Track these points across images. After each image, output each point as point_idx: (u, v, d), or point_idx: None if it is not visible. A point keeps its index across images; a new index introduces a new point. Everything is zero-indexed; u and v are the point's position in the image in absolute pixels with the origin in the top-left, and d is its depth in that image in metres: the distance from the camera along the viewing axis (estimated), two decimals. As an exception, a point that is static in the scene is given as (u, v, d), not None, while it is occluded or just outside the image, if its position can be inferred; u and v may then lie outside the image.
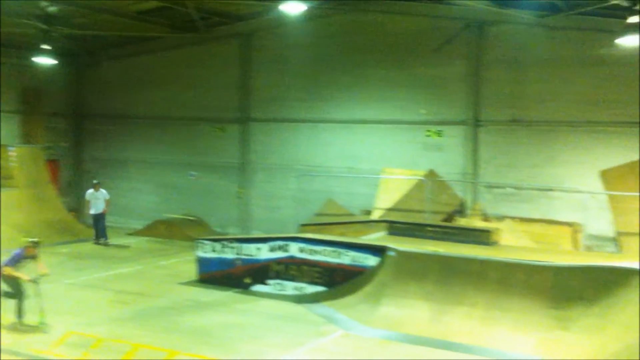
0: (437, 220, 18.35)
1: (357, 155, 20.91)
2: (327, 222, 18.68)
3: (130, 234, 22.53)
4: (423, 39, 19.76)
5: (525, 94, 18.48)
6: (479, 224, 17.74)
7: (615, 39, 14.93)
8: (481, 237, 15.31)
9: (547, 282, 11.18)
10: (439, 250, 13.24)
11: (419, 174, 19.44)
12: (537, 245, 16.75)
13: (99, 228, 20.79)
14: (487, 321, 11.09)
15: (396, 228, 16.45)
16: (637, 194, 16.30)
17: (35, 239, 11.88)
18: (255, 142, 22.81)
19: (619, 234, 16.86)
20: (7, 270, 11.24)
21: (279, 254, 14.46)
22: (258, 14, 21.62)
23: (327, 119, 21.42)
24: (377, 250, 13.29)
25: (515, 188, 18.58)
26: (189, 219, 22.93)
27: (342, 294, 13.09)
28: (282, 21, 20.07)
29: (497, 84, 18.85)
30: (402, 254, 12.86)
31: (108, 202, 20.85)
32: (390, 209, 19.13)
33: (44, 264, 11.74)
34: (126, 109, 25.28)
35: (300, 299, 13.62)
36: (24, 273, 11.42)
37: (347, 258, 13.58)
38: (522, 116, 18.56)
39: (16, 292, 11.34)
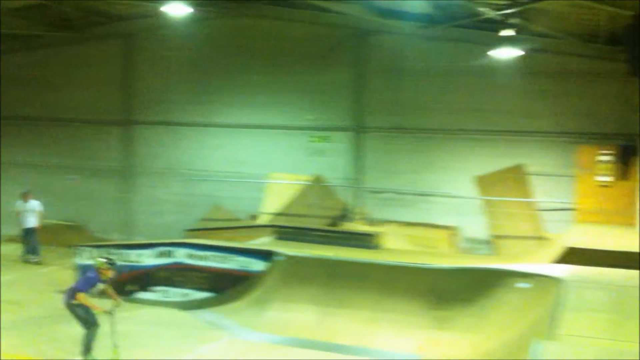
0: (323, 224, 18.63)
1: (244, 160, 20.85)
2: (214, 227, 18.54)
3: (5, 241, 21.35)
4: (308, 45, 20.02)
5: (406, 102, 19.08)
6: (363, 228, 18.18)
7: (488, 51, 15.72)
8: (365, 240, 15.68)
9: (427, 284, 11.66)
10: (325, 254, 13.47)
11: (306, 179, 19.68)
12: (418, 248, 17.37)
13: (29, 244, 18.98)
14: (371, 322, 11.43)
15: (283, 233, 16.56)
16: (510, 199, 17.34)
17: (112, 258, 10.12)
18: (138, 145, 22.26)
19: (494, 236, 17.79)
20: (81, 297, 9.45)
21: (165, 260, 14.23)
22: (140, 14, 21.13)
23: (213, 123, 21.22)
24: (264, 255, 13.36)
25: (398, 193, 19.18)
26: (67, 225, 22.03)
27: (230, 300, 13.08)
28: (166, 23, 19.71)
29: (379, 92, 19.37)
30: (289, 259, 13.00)
31: (40, 215, 19.30)
32: (277, 214, 19.24)
33: (113, 290, 10.10)
34: (-2, 109, 24.00)
35: (187, 306, 13.46)
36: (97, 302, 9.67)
37: (235, 263, 13.56)
38: (404, 123, 19.17)
39: (86, 323, 9.62)
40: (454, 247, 17.90)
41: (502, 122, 18.01)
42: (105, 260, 9.78)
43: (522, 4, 12.65)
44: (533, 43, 16.26)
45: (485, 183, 17.93)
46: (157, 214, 21.74)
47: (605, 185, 16.49)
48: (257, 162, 20.63)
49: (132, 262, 14.45)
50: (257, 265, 13.34)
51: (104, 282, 9.79)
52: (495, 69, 17.05)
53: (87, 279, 9.68)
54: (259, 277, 13.06)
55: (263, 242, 15.76)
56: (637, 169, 15.59)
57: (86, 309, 9.49)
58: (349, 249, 14.84)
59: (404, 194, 19.06)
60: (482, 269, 11.88)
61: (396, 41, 18.88)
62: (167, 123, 21.66)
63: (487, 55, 15.67)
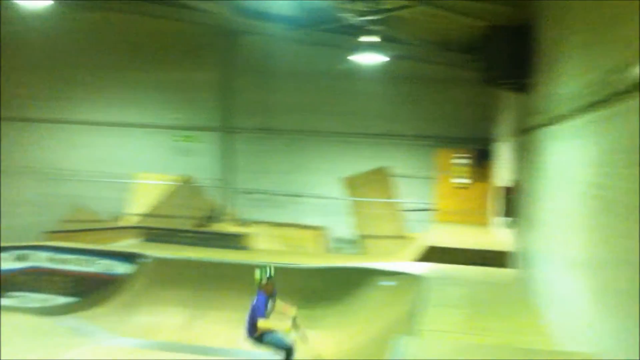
0: (192, 225, 18.42)
1: (109, 159, 20.23)
2: (77, 229, 17.82)
3: None
4: (174, 43, 19.72)
5: (274, 103, 19.32)
6: (233, 228, 18.16)
7: (353, 56, 16.18)
8: (235, 241, 15.69)
9: (295, 284, 11.86)
10: (193, 256, 13.36)
11: (173, 179, 19.37)
12: (287, 248, 17.61)
13: None
14: (240, 324, 11.44)
15: (151, 234, 16.23)
16: (375, 199, 17.99)
17: (270, 268, 8.92)
18: (-7, 143, 20.98)
19: (360, 236, 18.36)
20: (262, 324, 8.57)
21: (23, 264, 13.54)
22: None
23: (74, 120, 20.41)
24: (130, 258, 13.05)
25: (268, 194, 19.34)
26: None
27: (94, 305, 12.65)
28: (26, 14, 18.70)
29: (248, 93, 19.46)
30: (156, 261, 12.78)
31: None
32: (145, 215, 18.79)
33: (281, 302, 9.09)
34: None
35: (48, 312, 12.83)
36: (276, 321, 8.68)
37: (99, 266, 13.17)
38: (273, 124, 19.39)
39: (282, 347, 8.72)
40: (322, 246, 18.29)
41: (368, 125, 18.67)
42: (267, 273, 8.90)
43: (383, 11, 13.13)
44: (395, 50, 16.92)
45: (352, 184, 18.47)
46: (11, 215, 20.48)
47: (461, 187, 17.48)
48: (122, 161, 20.09)
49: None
50: (123, 268, 13.02)
51: (271, 297, 9.01)
52: (360, 74, 17.58)
53: (259, 302, 8.75)
54: (125, 280, 12.75)
55: (129, 244, 15.39)
56: (491, 171, 16.66)
57: (272, 334, 8.76)
58: (218, 250, 14.80)
59: (274, 194, 19.24)
60: (348, 267, 12.24)
61: (264, 42, 19.01)
62: (24, 119, 20.58)
63: (353, 60, 16.11)
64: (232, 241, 15.67)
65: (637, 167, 4.38)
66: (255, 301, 8.76)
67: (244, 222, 18.95)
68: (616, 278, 4.93)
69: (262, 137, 19.56)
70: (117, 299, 12.48)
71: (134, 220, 18.58)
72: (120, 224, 18.64)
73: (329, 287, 11.56)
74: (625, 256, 4.65)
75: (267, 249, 16.50)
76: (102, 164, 20.23)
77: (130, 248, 14.56)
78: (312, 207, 18.98)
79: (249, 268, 12.47)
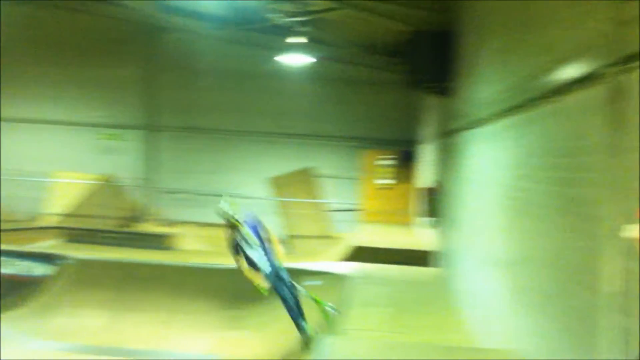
0: (114, 226, 18.03)
1: (27, 156, 19.49)
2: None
3: None
4: (98, 39, 19.19)
5: (199, 102, 19.11)
6: (157, 229, 17.89)
7: (280, 56, 16.19)
8: (159, 242, 15.53)
9: (221, 284, 11.82)
10: (116, 257, 13.12)
11: (95, 178, 18.89)
12: (213, 248, 17.41)
13: None
14: (165, 325, 11.33)
15: (72, 235, 15.85)
16: (300, 199, 18.08)
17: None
18: None
19: (287, 236, 18.37)
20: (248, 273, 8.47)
21: None
22: None
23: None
24: (51, 259, 12.69)
25: (192, 193, 19.11)
26: None
27: (11, 307, 12.20)
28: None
29: (173, 91, 19.18)
30: (76, 262, 12.47)
31: None
32: (65, 215, 18.23)
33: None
34: None
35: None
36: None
37: (18, 268, 12.72)
38: (198, 123, 19.19)
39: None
40: (247, 246, 18.17)
41: (293, 126, 18.75)
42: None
43: (310, 12, 13.23)
44: (322, 51, 17.03)
45: (278, 184, 18.50)
46: None
47: (385, 188, 17.78)
48: (41, 158, 19.40)
49: None
50: (43, 269, 12.63)
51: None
52: (287, 74, 17.60)
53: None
54: (44, 282, 12.37)
55: (49, 245, 14.94)
56: (415, 172, 17.01)
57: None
58: (142, 250, 14.56)
59: (200, 194, 19.02)
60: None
61: (190, 40, 18.78)
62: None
63: (280, 61, 16.14)
64: (155, 242, 15.49)
65: (553, 170, 4.59)
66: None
67: (168, 223, 18.68)
68: (532, 276, 5.12)
69: (187, 136, 19.34)
70: (36, 301, 12.09)
71: (54, 221, 18.02)
72: (40, 224, 18.03)
73: (254, 288, 11.52)
74: (541, 255, 4.86)
75: (192, 250, 16.33)
76: (20, 162, 19.49)
77: (50, 249, 14.17)
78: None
79: (173, 269, 12.42)
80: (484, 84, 7.61)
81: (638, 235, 3.01)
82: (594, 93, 3.73)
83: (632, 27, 3.18)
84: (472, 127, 8.12)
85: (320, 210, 18.44)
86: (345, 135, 18.60)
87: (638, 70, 3.12)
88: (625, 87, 3.29)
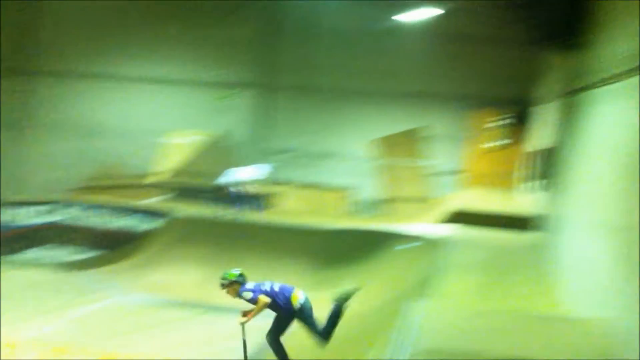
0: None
1: (140, 115, 20.00)
2: (105, 186, 17.74)
3: None
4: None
5: (315, 62, 18.79)
6: (257, 189, 17.91)
7: (396, 13, 15.45)
8: (259, 201, 15.54)
9: (316, 244, 11.70)
10: (216, 214, 13.26)
11: (207, 136, 19.06)
12: (311, 209, 17.29)
13: None
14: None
15: (177, 192, 16.14)
16: (406, 161, 17.56)
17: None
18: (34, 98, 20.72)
19: (387, 198, 17.99)
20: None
21: (48, 219, 13.60)
22: None
23: (106, 75, 20.16)
24: (156, 215, 13.02)
25: (297, 153, 19.03)
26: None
27: (116, 260, 12.64)
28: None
29: (288, 51, 19.03)
30: (179, 219, 12.73)
31: None
32: (174, 172, 18.61)
33: None
34: None
35: (71, 267, 12.87)
36: None
37: (124, 223, 13.16)
38: (312, 83, 18.98)
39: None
40: (344, 208, 17.91)
41: (404, 85, 18.28)
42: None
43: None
44: (445, 5, 16.34)
45: (385, 145, 18.02)
46: (44, 170, 20.48)
47: (494, 150, 16.98)
48: (154, 118, 19.82)
49: (14, 220, 13.67)
50: (147, 225, 13.01)
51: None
52: (405, 32, 17.36)
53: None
54: (148, 237, 12.74)
55: (156, 201, 15.30)
56: (526, 134, 16.08)
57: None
58: (243, 209, 14.63)
59: (303, 154, 18.91)
60: (368, 230, 12.01)
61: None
62: (57, 74, 20.37)
63: (399, 19, 15.52)
64: (256, 201, 15.49)
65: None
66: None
67: (270, 182, 18.67)
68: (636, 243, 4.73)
69: (299, 96, 19.24)
70: (137, 255, 12.46)
71: (162, 178, 18.44)
72: (149, 181, 18.52)
73: (347, 250, 11.34)
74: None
75: (291, 209, 16.28)
76: (134, 121, 20.06)
77: (156, 205, 14.50)
78: (341, 168, 18.63)
79: (269, 229, 12.42)
80: (620, 38, 6.85)
81: None
82: None
83: None
84: (600, 85, 7.40)
85: (422, 172, 17.87)
86: (457, 95, 17.84)
87: None
88: None
